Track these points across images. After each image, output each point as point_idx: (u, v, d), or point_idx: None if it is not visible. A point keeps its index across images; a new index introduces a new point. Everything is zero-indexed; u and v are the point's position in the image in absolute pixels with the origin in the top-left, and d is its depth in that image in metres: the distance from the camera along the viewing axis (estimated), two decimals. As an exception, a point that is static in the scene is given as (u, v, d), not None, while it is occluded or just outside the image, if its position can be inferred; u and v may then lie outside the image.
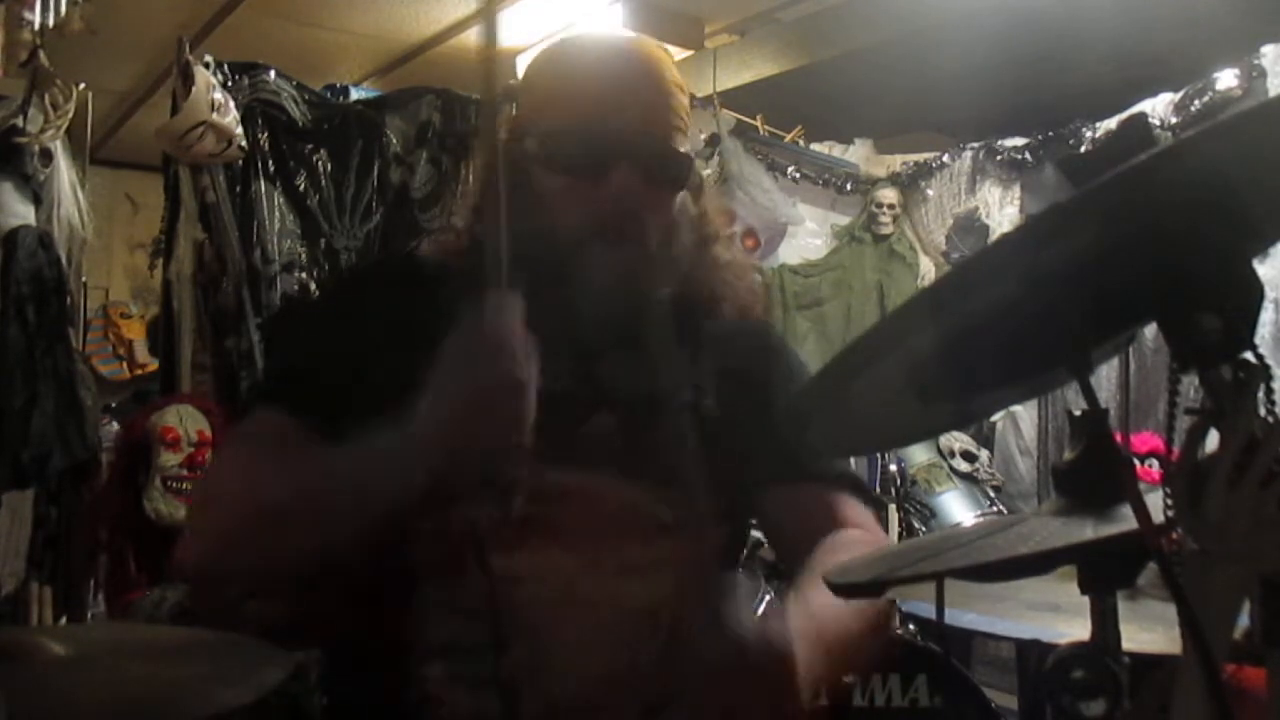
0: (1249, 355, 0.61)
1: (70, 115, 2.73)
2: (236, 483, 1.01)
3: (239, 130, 2.92)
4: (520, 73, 1.19)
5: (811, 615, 0.98)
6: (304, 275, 3.20)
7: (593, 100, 1.06)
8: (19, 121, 2.63)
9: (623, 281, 1.05)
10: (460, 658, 0.99)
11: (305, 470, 0.97)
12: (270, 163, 3.17)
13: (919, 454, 3.45)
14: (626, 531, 1.03)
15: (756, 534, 2.21)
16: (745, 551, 1.93)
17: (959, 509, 3.35)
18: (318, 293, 3.10)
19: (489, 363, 0.89)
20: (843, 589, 0.80)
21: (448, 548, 0.99)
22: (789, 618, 0.98)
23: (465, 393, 0.89)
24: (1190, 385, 0.62)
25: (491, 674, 0.97)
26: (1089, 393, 0.65)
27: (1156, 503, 0.64)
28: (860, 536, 1.12)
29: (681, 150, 1.09)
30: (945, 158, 4.19)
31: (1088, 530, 0.71)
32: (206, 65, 2.93)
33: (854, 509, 1.16)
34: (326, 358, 1.06)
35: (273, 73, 3.19)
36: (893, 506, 3.19)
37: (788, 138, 4.32)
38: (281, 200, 3.18)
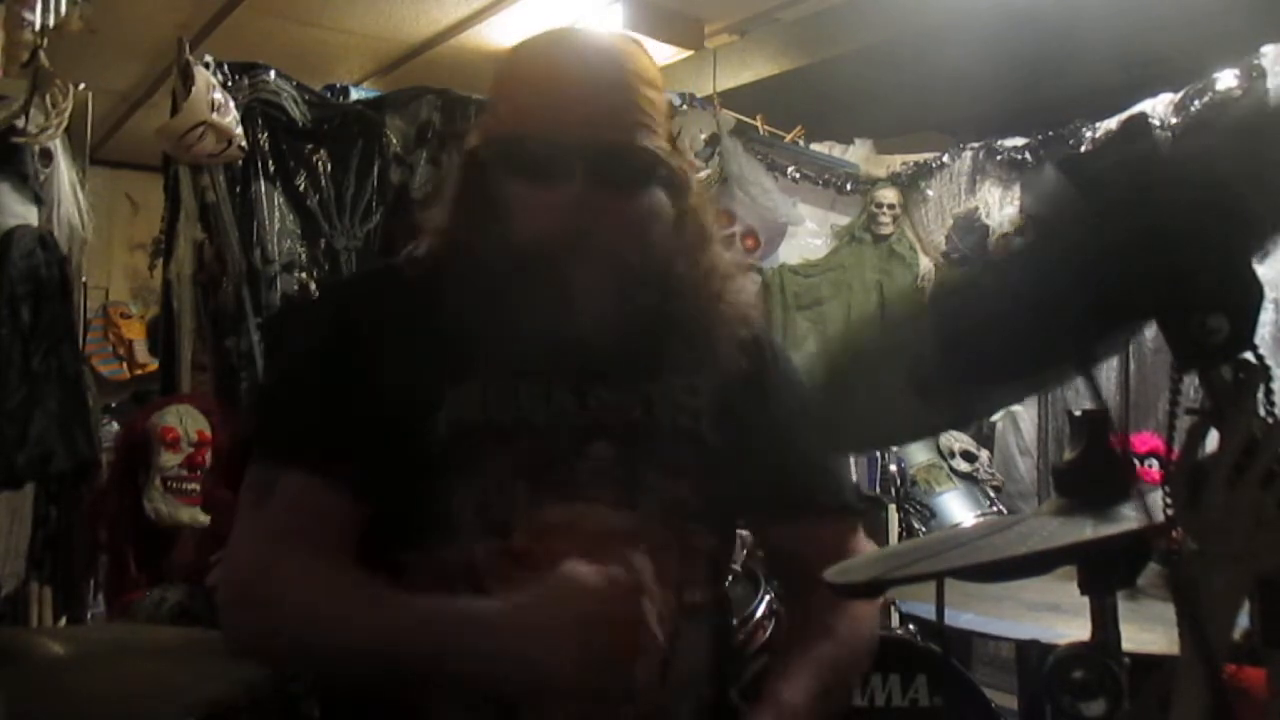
0: (1249, 355, 0.60)
1: (68, 114, 2.72)
2: (294, 599, 0.96)
3: (239, 130, 2.92)
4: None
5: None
6: (304, 275, 3.20)
7: (546, 102, 1.00)
8: (19, 122, 2.62)
9: (595, 290, 1.00)
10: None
11: (377, 619, 0.93)
12: (270, 163, 3.17)
13: (919, 454, 3.45)
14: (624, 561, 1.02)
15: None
16: (745, 551, 1.93)
17: (959, 509, 3.35)
18: (312, 321, 3.06)
19: (614, 624, 0.87)
20: (842, 589, 0.80)
21: (445, 580, 0.98)
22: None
23: (577, 642, 0.87)
24: (1190, 385, 0.62)
25: (488, 698, 0.97)
26: (1094, 390, 0.65)
27: (1156, 503, 0.64)
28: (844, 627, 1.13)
29: (646, 146, 1.01)
30: (945, 158, 4.19)
31: (1087, 530, 0.72)
32: (206, 65, 2.93)
33: (853, 543, 1.16)
34: (333, 409, 1.01)
35: (273, 73, 3.19)
36: (893, 506, 3.20)
37: (788, 138, 4.32)
38: (281, 200, 3.18)
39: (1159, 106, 3.41)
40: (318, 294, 3.12)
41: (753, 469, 1.08)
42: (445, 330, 1.01)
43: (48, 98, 2.66)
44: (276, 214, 3.16)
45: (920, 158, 4.30)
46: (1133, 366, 3.39)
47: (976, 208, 4.07)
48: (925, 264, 4.28)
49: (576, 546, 0.98)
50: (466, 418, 1.00)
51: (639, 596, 0.88)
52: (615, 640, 0.87)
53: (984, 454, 3.66)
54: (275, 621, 0.96)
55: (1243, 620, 0.61)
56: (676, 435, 1.06)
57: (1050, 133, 3.83)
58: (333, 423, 1.00)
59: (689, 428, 1.07)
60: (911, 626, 2.00)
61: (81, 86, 2.83)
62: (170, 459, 2.49)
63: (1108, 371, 3.35)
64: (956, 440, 3.54)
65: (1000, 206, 3.99)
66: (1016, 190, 3.95)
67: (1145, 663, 0.79)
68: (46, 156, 2.74)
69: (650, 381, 1.06)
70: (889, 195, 4.29)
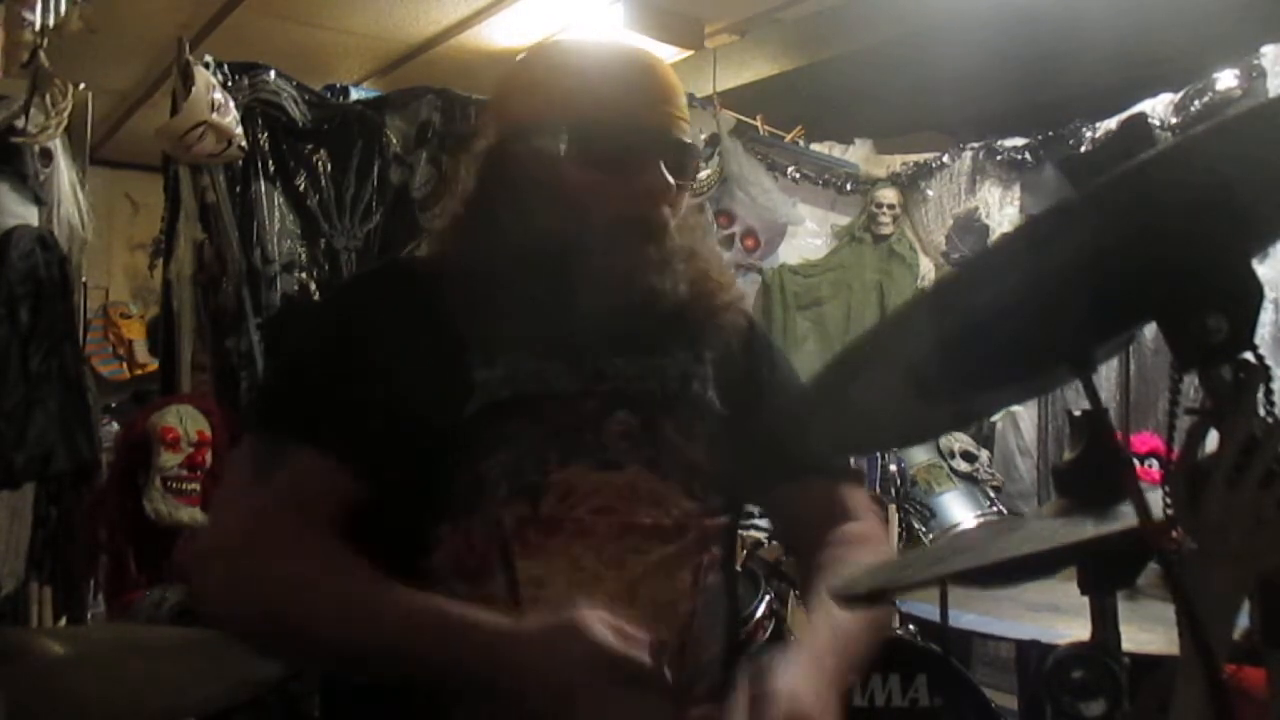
0: (1249, 355, 0.60)
1: (68, 114, 2.72)
2: (283, 571, 0.96)
3: (239, 130, 2.92)
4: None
5: (831, 637, 1.01)
6: (304, 275, 3.19)
7: (623, 97, 1.07)
8: (19, 122, 2.62)
9: (640, 273, 1.07)
10: None
11: (365, 607, 0.93)
12: (270, 163, 3.17)
13: (919, 454, 3.45)
14: (650, 527, 1.05)
15: (755, 534, 2.21)
16: (745, 551, 1.94)
17: (959, 509, 3.35)
18: (323, 309, 3.06)
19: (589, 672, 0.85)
20: (848, 599, 0.80)
21: (472, 549, 1.00)
22: (811, 644, 1.00)
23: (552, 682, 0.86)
24: (1190, 385, 0.62)
25: (497, 701, 0.97)
26: (1092, 392, 0.65)
27: (1156, 503, 0.64)
28: (863, 531, 1.17)
29: (693, 142, 1.11)
30: (945, 158, 4.19)
31: (1088, 530, 0.72)
32: (206, 65, 2.93)
33: (856, 498, 1.21)
34: (346, 388, 1.03)
35: (273, 73, 3.19)
36: (893, 506, 3.19)
37: (788, 138, 4.32)
38: (281, 200, 3.18)
39: (1159, 106, 3.41)
40: (348, 282, 3.13)
41: (755, 436, 1.14)
42: (476, 310, 1.04)
43: (48, 98, 2.66)
44: (276, 214, 3.15)
45: (920, 158, 4.29)
46: (1133, 366, 3.39)
47: (976, 208, 4.07)
48: (925, 264, 4.28)
49: (602, 509, 1.03)
50: (497, 389, 1.04)
51: (638, 673, 0.85)
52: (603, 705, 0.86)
53: (984, 454, 3.65)
54: (259, 585, 0.95)
55: (1243, 620, 0.61)
56: (690, 403, 1.12)
57: (1050, 133, 3.82)
58: (348, 398, 1.01)
59: (700, 396, 1.13)
60: (911, 626, 2.01)
61: (81, 86, 2.83)
62: (170, 459, 2.48)
63: (1108, 371, 3.35)
64: (956, 440, 3.54)
65: (1000, 206, 3.99)
66: (1016, 190, 3.95)
67: (1145, 663, 0.79)
68: (46, 156, 2.74)
69: (662, 354, 1.13)
70: (889, 195, 4.29)
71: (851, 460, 3.28)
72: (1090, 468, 0.75)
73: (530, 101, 1.10)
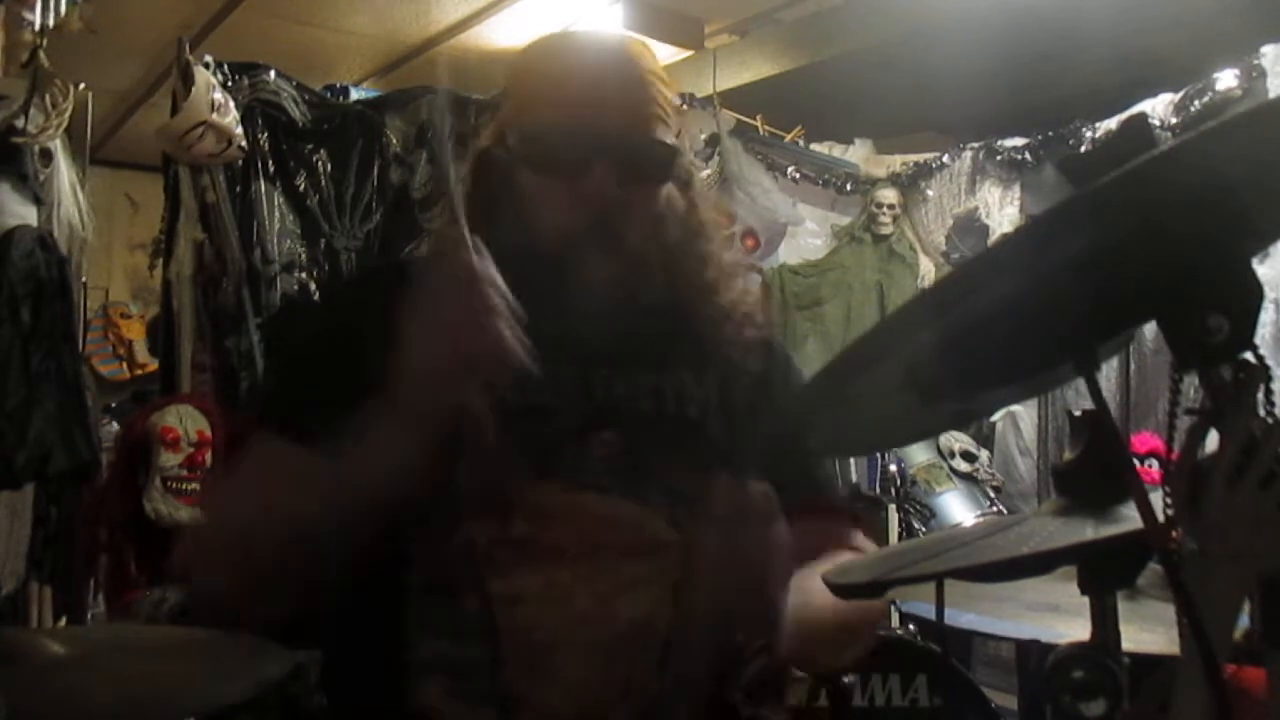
0: (1249, 355, 0.60)
1: (68, 114, 2.72)
2: (240, 505, 1.00)
3: (239, 130, 2.92)
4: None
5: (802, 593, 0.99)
6: (304, 275, 3.20)
7: (568, 97, 1.03)
8: (19, 122, 2.62)
9: (613, 282, 1.02)
10: (457, 673, 0.98)
11: (301, 474, 0.95)
12: (270, 163, 3.17)
13: (919, 454, 3.45)
14: (625, 548, 1.02)
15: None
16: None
17: (959, 509, 3.35)
18: (317, 307, 3.05)
19: (455, 294, 0.89)
20: (842, 589, 0.80)
21: (446, 565, 0.98)
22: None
23: (435, 329, 0.90)
24: (1190, 385, 0.62)
25: (488, 690, 0.97)
26: (1095, 391, 0.65)
27: (1157, 503, 0.64)
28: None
29: (663, 139, 1.05)
30: (945, 158, 4.20)
31: (1088, 530, 0.72)
32: (206, 65, 2.93)
33: (853, 539, 1.15)
34: (342, 391, 1.00)
35: (273, 73, 3.19)
36: (893, 506, 3.20)
37: (788, 138, 4.32)
38: (281, 200, 3.18)
39: (1159, 106, 3.42)
40: (338, 284, 3.13)
41: (755, 462, 1.08)
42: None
43: (48, 98, 2.66)
44: (276, 214, 3.16)
45: (920, 158, 4.30)
46: (1133, 366, 3.39)
47: (976, 208, 4.07)
48: (925, 264, 4.29)
49: (575, 532, 0.99)
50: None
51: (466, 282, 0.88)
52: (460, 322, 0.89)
53: (984, 454, 3.66)
54: (218, 527, 1.01)
55: (1243, 620, 0.61)
56: (683, 426, 1.07)
57: (1050, 133, 3.83)
58: (337, 402, 0.98)
59: (696, 420, 1.08)
60: (911, 626, 2.01)
61: (81, 86, 2.83)
62: (170, 459, 2.49)
63: (1107, 371, 3.35)
64: (956, 440, 3.55)
65: (1000, 206, 3.99)
66: (1016, 190, 3.96)
67: (1145, 663, 0.79)
68: (46, 156, 2.74)
69: (659, 372, 1.08)
70: (889, 195, 4.29)
71: (851, 462, 3.29)
72: (1090, 468, 0.75)
73: (505, 104, 1.10)
